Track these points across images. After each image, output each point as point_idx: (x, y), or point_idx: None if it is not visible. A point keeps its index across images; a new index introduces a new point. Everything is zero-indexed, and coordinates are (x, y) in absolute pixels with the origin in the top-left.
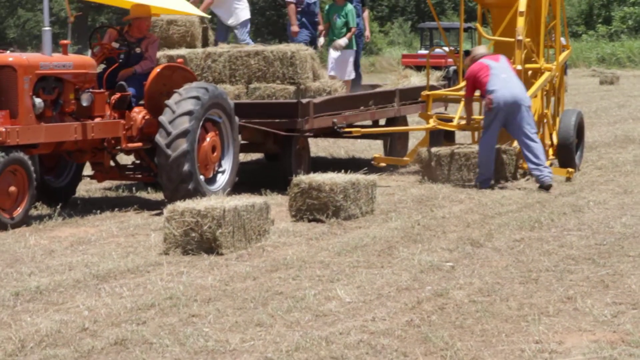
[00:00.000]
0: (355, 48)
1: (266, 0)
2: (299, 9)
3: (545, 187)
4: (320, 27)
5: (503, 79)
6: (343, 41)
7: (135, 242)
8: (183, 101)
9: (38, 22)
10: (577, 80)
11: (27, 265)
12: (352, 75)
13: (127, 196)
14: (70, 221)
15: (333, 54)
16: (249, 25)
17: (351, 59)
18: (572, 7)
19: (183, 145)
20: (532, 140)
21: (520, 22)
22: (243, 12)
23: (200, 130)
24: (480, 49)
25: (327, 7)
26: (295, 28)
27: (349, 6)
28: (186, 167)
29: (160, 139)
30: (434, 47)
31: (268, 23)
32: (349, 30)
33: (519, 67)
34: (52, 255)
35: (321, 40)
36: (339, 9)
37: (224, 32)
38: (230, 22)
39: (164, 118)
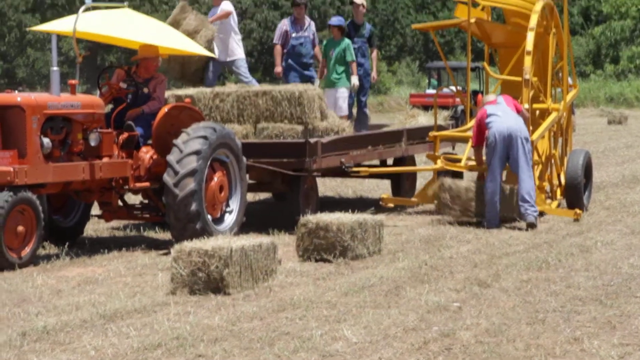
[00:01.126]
0: (349, 84)
1: (258, 42)
2: (285, 51)
3: (528, 224)
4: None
5: (499, 116)
6: (355, 79)
7: (143, 282)
8: (191, 141)
9: (47, 62)
10: (585, 120)
11: (35, 305)
12: (344, 112)
13: (135, 236)
14: (77, 261)
15: (327, 91)
16: (246, 64)
17: (345, 95)
18: (579, 46)
19: (191, 184)
20: (526, 175)
21: (528, 61)
22: (238, 49)
23: (208, 170)
24: (487, 97)
25: (324, 42)
26: (278, 69)
27: (346, 40)
28: (194, 206)
29: (168, 178)
30: (441, 86)
31: (259, 63)
32: (347, 65)
33: (526, 105)
34: (59, 295)
35: (317, 82)
36: (335, 44)
37: (217, 69)
38: (226, 59)
39: (171, 157)
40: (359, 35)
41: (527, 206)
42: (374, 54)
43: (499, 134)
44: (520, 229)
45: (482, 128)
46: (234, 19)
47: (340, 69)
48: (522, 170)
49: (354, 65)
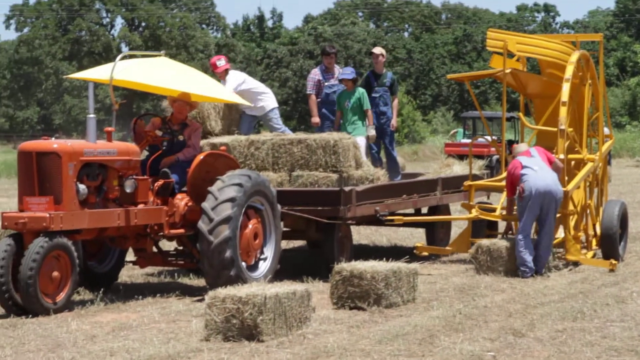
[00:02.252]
0: (365, 134)
1: (293, 91)
2: (319, 100)
3: (519, 275)
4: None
5: (535, 170)
6: (372, 130)
7: (177, 328)
8: (226, 188)
9: (83, 109)
10: (620, 170)
11: (69, 351)
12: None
13: (169, 282)
14: (112, 306)
15: None
16: (278, 114)
17: (362, 144)
18: (615, 97)
19: (225, 231)
20: (548, 237)
21: (563, 112)
22: (268, 101)
23: (243, 217)
24: (519, 147)
25: (337, 94)
26: (315, 119)
27: (360, 90)
28: (228, 253)
29: (203, 225)
30: (476, 136)
31: (294, 112)
32: (362, 114)
33: (562, 156)
34: (93, 341)
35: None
36: (349, 94)
37: (248, 123)
38: (255, 113)
39: (206, 204)
40: (380, 84)
41: (527, 270)
42: (395, 102)
43: (536, 189)
44: (554, 279)
45: (514, 179)
46: (246, 84)
47: (355, 118)
48: (549, 229)
49: (370, 114)
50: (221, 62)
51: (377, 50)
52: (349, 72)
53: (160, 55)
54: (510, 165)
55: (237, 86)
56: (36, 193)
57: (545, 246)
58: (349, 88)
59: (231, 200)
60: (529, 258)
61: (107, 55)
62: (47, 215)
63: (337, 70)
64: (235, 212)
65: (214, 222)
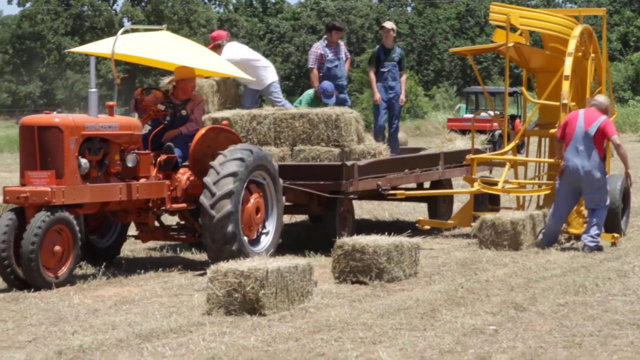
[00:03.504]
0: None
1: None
2: (321, 74)
3: (585, 250)
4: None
5: (579, 150)
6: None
7: (179, 302)
8: (227, 162)
9: (85, 84)
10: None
11: (71, 324)
12: None
13: (171, 256)
14: (114, 281)
15: None
16: (278, 87)
17: None
18: (618, 72)
19: (227, 206)
20: (599, 210)
21: (565, 86)
22: (268, 75)
23: (245, 192)
24: (598, 98)
25: (302, 100)
26: (314, 88)
27: (331, 104)
28: (230, 228)
29: (205, 199)
30: (479, 111)
31: (297, 87)
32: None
33: None
34: (95, 315)
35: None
36: (320, 104)
37: (251, 97)
38: (256, 87)
39: (208, 179)
40: (389, 59)
41: (592, 239)
42: (403, 77)
43: (573, 169)
44: (556, 253)
45: (566, 128)
46: (242, 55)
47: None
48: (596, 206)
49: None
50: (220, 34)
51: (389, 24)
52: (330, 95)
53: (162, 30)
54: (573, 113)
55: (231, 57)
56: (38, 167)
57: (597, 222)
58: (319, 99)
59: (233, 174)
60: (553, 231)
61: (109, 30)
62: (49, 189)
63: (341, 45)
64: (237, 186)
65: (216, 197)
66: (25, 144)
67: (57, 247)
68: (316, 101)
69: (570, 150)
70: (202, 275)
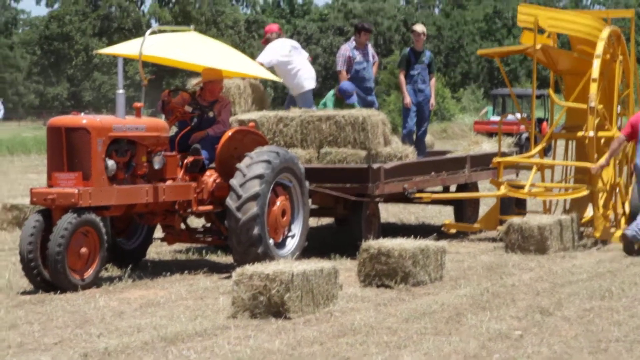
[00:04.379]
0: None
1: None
2: (349, 76)
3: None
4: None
5: None
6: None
7: (204, 305)
8: (254, 164)
9: (113, 86)
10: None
11: (96, 327)
12: None
13: (197, 259)
14: (140, 283)
15: None
16: (311, 97)
17: None
18: None
19: (253, 208)
20: None
21: (593, 88)
22: (305, 82)
23: (271, 194)
24: None
25: (325, 101)
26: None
27: (354, 105)
28: (256, 230)
29: (231, 202)
30: (506, 113)
31: (324, 89)
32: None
33: (591, 133)
34: (121, 317)
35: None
36: (344, 107)
37: (288, 102)
38: (293, 92)
39: (234, 181)
40: (419, 62)
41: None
42: (433, 81)
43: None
44: (582, 257)
45: (636, 128)
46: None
47: None
48: None
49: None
50: (272, 27)
51: (419, 28)
52: (350, 95)
53: (189, 30)
54: (638, 114)
55: (265, 59)
56: (65, 169)
57: None
58: (341, 100)
59: (259, 177)
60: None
61: (137, 31)
62: (76, 191)
63: (369, 47)
64: (264, 189)
65: (242, 199)
66: (53, 146)
67: (83, 249)
68: (339, 102)
69: None
70: (227, 278)
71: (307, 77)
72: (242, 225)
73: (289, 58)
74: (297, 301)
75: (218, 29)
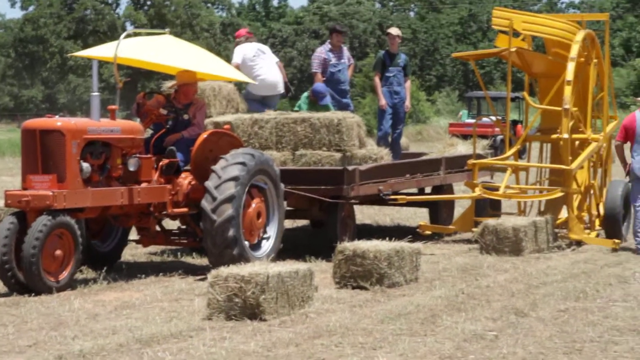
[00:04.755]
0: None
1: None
2: (324, 78)
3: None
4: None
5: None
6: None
7: (179, 307)
8: (229, 167)
9: (88, 88)
10: (626, 151)
11: (71, 329)
12: None
13: (172, 261)
14: (115, 285)
15: None
16: (272, 102)
17: None
18: (620, 78)
19: (228, 210)
20: None
21: (567, 91)
22: (266, 88)
23: (246, 197)
24: None
25: (300, 104)
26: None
27: (328, 106)
28: (231, 232)
29: (206, 204)
30: (480, 116)
31: (299, 91)
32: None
33: (565, 135)
34: (96, 319)
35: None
36: (319, 108)
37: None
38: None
39: (210, 183)
40: (394, 64)
41: None
42: (408, 83)
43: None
44: (557, 259)
45: (630, 130)
46: (251, 60)
47: None
48: None
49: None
50: (241, 31)
51: (394, 31)
52: (323, 96)
53: (164, 33)
54: (632, 115)
55: (240, 60)
56: (39, 171)
57: None
58: (314, 102)
59: (234, 179)
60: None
61: (112, 34)
62: (50, 193)
63: (344, 50)
64: (239, 191)
65: (218, 201)
66: (27, 148)
67: (58, 252)
68: (312, 104)
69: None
70: (202, 280)
71: (270, 83)
72: (218, 227)
73: (252, 62)
74: (273, 303)
75: (193, 32)
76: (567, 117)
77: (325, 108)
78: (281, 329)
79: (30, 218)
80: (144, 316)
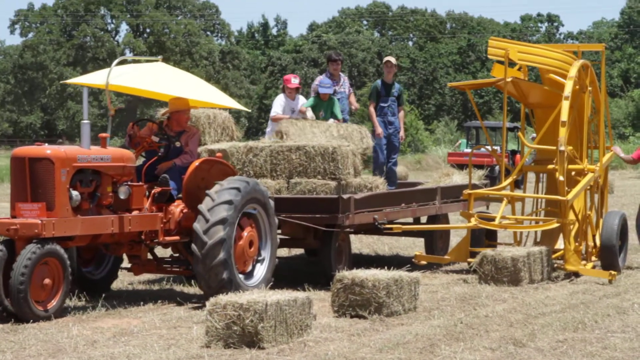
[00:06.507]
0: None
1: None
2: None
3: None
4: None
5: None
6: None
7: (177, 335)
8: (224, 191)
9: None
10: (624, 182)
11: (69, 356)
12: None
13: (170, 289)
14: (113, 312)
15: None
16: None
17: None
18: (619, 108)
19: (220, 232)
20: None
21: (562, 132)
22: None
23: (237, 230)
24: None
25: (311, 101)
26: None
27: (333, 99)
28: (222, 255)
29: (198, 226)
30: (477, 146)
31: None
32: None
33: (562, 178)
34: (94, 346)
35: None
36: (323, 104)
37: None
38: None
39: (203, 206)
40: (389, 94)
41: None
42: (401, 113)
43: None
44: (556, 289)
45: None
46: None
47: None
48: None
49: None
50: (296, 80)
51: (394, 60)
52: (328, 86)
53: (157, 60)
54: None
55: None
56: (28, 199)
57: None
58: (322, 98)
59: (228, 202)
60: None
61: (111, 61)
62: (39, 221)
63: (342, 77)
64: (232, 214)
65: (210, 223)
66: (16, 176)
67: (46, 280)
68: (317, 98)
69: None
70: (201, 307)
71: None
72: (209, 248)
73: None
74: (271, 331)
75: (192, 60)
76: (562, 160)
77: (330, 103)
78: (279, 357)
79: (19, 246)
80: (142, 343)
